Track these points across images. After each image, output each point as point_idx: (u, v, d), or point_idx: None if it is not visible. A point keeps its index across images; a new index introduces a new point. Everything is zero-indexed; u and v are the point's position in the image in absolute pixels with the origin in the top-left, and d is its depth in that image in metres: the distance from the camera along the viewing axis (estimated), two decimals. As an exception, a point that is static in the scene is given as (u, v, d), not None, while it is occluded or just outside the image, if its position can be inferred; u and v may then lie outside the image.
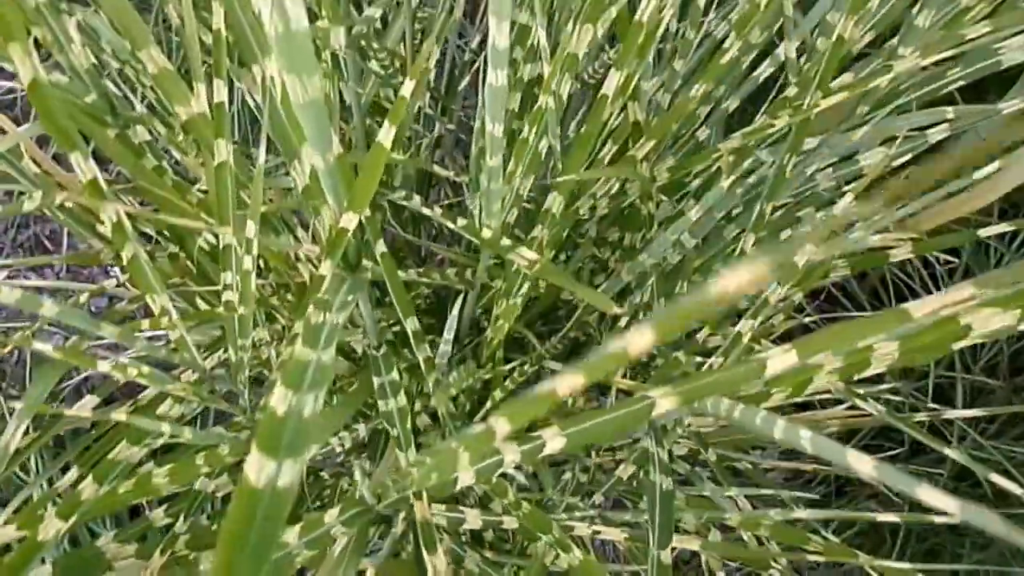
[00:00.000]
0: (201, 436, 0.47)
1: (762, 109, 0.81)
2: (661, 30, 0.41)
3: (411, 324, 0.45)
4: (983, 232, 0.57)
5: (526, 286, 0.45)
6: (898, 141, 0.67)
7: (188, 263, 0.67)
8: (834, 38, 0.42)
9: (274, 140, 0.45)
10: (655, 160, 0.56)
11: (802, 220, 0.76)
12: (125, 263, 0.39)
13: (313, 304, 0.29)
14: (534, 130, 0.38)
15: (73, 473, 0.57)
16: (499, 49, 0.31)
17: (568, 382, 0.20)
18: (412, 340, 0.46)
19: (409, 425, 0.43)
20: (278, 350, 0.67)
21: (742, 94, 0.69)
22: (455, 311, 0.44)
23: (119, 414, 0.39)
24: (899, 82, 0.56)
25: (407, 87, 0.26)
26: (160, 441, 0.49)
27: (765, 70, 0.69)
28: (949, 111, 0.67)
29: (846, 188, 0.76)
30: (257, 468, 0.19)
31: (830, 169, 0.69)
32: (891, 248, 0.64)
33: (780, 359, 0.29)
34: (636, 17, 0.39)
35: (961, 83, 0.57)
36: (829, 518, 0.44)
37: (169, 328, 0.46)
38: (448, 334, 0.46)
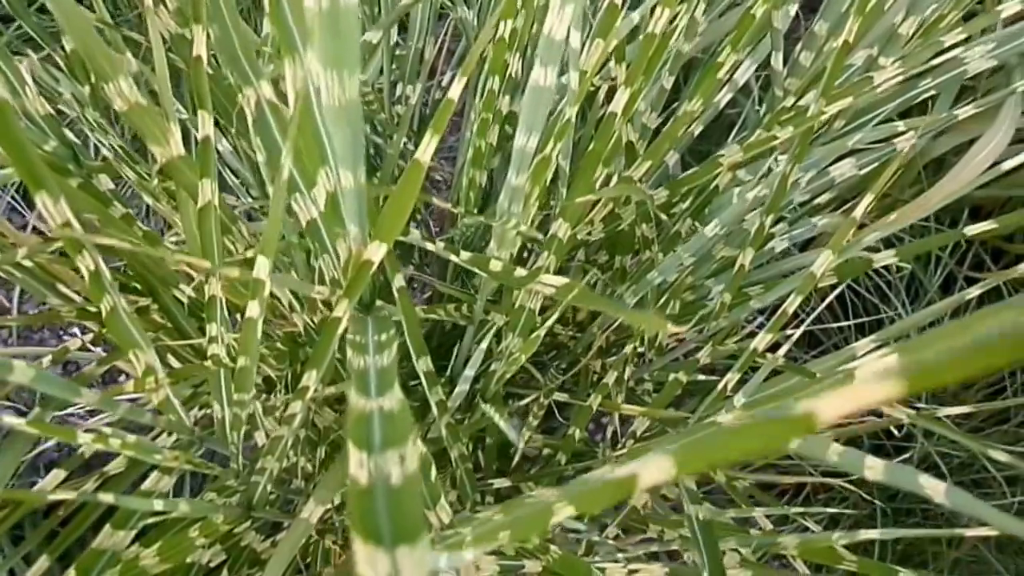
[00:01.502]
0: (200, 506, 0.40)
1: (731, 133, 0.79)
2: (672, 41, 0.38)
3: (423, 365, 0.40)
4: (969, 230, 0.55)
5: (550, 317, 0.40)
6: (864, 152, 0.66)
7: (162, 317, 0.60)
8: (840, 43, 0.39)
9: (264, 176, 0.39)
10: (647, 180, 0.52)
11: (775, 235, 0.74)
12: (104, 316, 0.33)
13: (350, 347, 0.23)
14: (557, 146, 0.34)
15: (43, 563, 0.48)
16: (555, 40, 0.26)
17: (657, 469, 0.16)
18: (425, 382, 0.40)
19: (434, 479, 0.37)
20: (265, 404, 0.60)
21: (705, 119, 0.67)
22: (478, 351, 0.39)
23: (106, 496, 0.32)
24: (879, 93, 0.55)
25: (444, 109, 0.21)
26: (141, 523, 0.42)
27: (726, 95, 0.67)
28: (900, 124, 0.66)
29: (817, 200, 0.74)
30: (369, 567, 0.13)
31: (803, 182, 0.67)
32: (874, 253, 0.61)
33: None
34: (648, 29, 0.36)
35: (933, 92, 0.55)
36: (889, 537, 0.40)
37: (153, 389, 0.39)
38: (469, 371, 0.41)
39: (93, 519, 0.62)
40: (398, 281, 0.34)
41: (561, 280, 0.36)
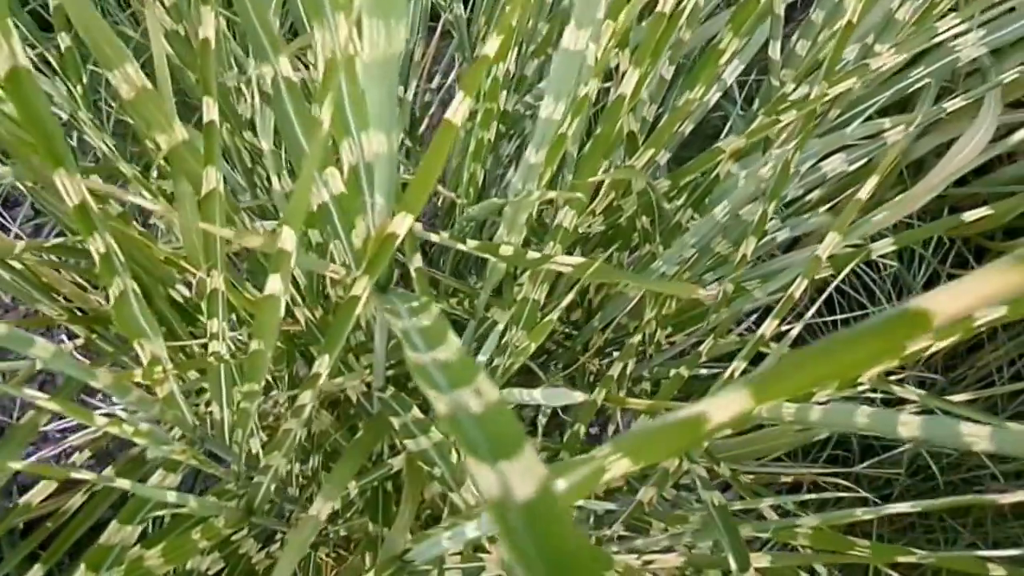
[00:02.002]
0: (206, 505, 0.39)
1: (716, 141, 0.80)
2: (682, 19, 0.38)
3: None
4: (966, 216, 0.56)
5: (554, 309, 0.40)
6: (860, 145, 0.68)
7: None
8: (844, 22, 0.40)
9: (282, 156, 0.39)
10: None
11: (768, 232, 0.75)
12: (112, 302, 0.32)
13: (389, 314, 0.23)
14: (575, 122, 0.34)
15: (38, 571, 0.47)
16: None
17: (731, 403, 0.14)
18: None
19: (455, 460, 0.36)
20: (259, 408, 0.59)
21: (696, 118, 0.68)
22: (493, 333, 0.39)
23: (123, 482, 0.31)
24: (870, 83, 0.56)
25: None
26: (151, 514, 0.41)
27: (715, 95, 0.68)
28: (886, 122, 0.68)
29: (809, 196, 0.75)
30: (486, 481, 0.12)
31: (798, 175, 0.68)
32: (869, 244, 0.63)
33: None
34: (658, 8, 0.36)
35: (927, 80, 0.57)
36: (932, 508, 0.40)
37: (160, 380, 0.38)
38: (482, 356, 0.41)
39: (78, 535, 0.61)
40: (416, 261, 0.34)
41: (577, 259, 0.36)
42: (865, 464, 1.08)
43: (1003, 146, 0.82)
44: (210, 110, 0.37)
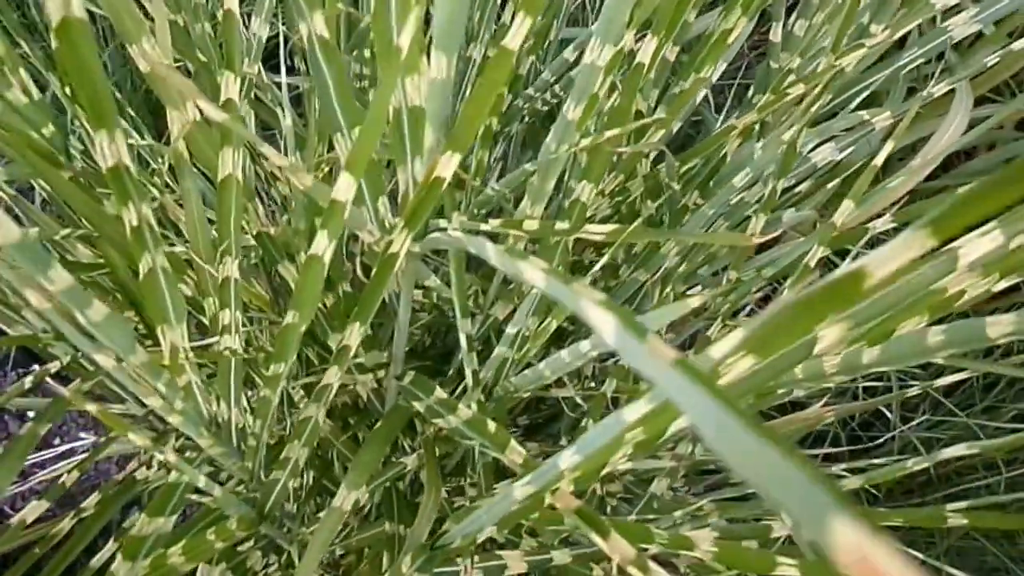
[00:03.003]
0: (227, 498, 0.37)
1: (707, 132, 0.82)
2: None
3: (466, 326, 0.39)
4: (961, 192, 0.58)
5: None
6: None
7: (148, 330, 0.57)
8: (851, -5, 0.42)
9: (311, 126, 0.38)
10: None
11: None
12: (141, 278, 0.31)
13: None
14: (607, 80, 0.34)
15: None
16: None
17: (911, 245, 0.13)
18: (465, 345, 0.40)
19: (492, 429, 0.36)
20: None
21: (683, 117, 0.70)
22: (521, 311, 0.39)
23: (169, 454, 0.30)
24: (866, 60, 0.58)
25: None
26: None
27: (700, 95, 0.70)
28: (864, 114, 0.70)
29: (799, 188, 0.77)
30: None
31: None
32: (867, 223, 0.64)
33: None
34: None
35: (920, 60, 0.59)
36: (988, 449, 0.40)
37: (179, 371, 0.37)
38: (512, 328, 0.40)
39: (70, 560, 0.59)
40: (454, 221, 0.34)
41: (609, 227, 0.36)
42: (858, 448, 1.10)
43: (964, 142, 0.86)
44: (230, 87, 0.37)
